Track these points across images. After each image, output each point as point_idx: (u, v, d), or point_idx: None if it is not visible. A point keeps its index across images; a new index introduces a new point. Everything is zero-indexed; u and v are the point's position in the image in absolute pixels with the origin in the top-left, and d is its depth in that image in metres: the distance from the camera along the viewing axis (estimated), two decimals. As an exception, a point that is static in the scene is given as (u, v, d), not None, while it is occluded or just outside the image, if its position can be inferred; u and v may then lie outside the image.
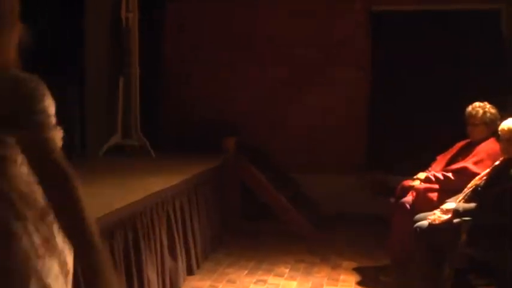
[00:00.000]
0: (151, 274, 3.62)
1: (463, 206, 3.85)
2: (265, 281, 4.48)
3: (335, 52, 6.50)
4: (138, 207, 3.68)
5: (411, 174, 4.92)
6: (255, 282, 4.45)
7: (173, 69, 6.72)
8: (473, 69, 6.07)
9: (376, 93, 6.48)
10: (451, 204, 3.94)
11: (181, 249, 4.26)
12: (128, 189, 3.96)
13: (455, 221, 3.80)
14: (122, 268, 3.38)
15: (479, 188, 3.90)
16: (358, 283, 4.49)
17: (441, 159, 4.66)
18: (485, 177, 3.94)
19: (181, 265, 4.21)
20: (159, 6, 6.66)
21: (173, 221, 4.14)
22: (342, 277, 4.60)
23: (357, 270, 4.77)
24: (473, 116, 4.44)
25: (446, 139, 4.86)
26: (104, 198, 3.70)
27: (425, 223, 3.95)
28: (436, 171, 4.51)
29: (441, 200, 4.20)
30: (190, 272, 4.48)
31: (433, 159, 4.79)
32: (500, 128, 3.98)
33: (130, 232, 3.51)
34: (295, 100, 6.68)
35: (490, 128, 4.39)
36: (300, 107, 6.70)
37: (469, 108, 4.48)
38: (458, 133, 4.74)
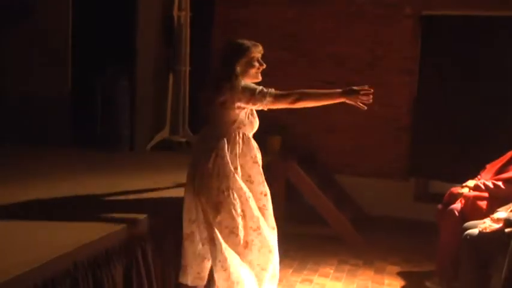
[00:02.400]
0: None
1: (515, 215, 3.84)
2: (311, 281, 4.54)
3: (383, 56, 6.49)
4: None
5: (456, 181, 4.93)
6: (301, 282, 4.51)
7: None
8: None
9: (424, 98, 6.44)
10: (502, 213, 3.93)
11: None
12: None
13: (506, 230, 3.80)
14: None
15: (531, 199, 3.90)
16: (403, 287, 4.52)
17: (490, 168, 4.64)
18: (538, 188, 3.93)
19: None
20: (209, 6, 6.76)
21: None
22: (386, 281, 4.63)
23: (401, 274, 4.79)
24: (525, 125, 4.43)
25: (493, 147, 4.83)
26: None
27: (475, 231, 3.95)
28: (485, 179, 4.50)
29: (490, 209, 4.20)
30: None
31: (479, 168, 4.77)
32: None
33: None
34: (341, 102, 6.68)
35: (542, 138, 4.37)
36: (345, 108, 6.68)
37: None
38: (507, 142, 4.72)
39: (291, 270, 4.73)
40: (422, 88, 6.46)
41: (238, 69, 3.25)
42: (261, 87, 3.23)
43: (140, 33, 5.94)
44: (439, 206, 4.65)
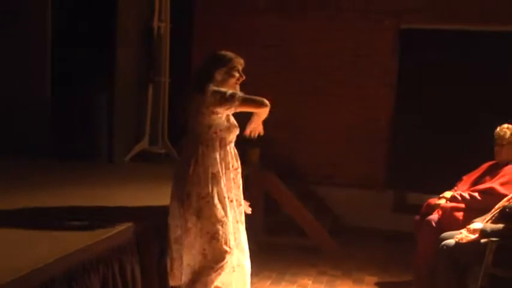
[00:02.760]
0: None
1: (490, 226, 3.89)
2: (289, 292, 4.55)
3: (362, 68, 6.56)
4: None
5: (433, 193, 4.99)
6: (279, 293, 4.52)
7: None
8: (501, 90, 6.10)
9: (401, 110, 6.51)
10: (478, 224, 3.98)
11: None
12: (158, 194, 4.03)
13: (482, 241, 3.85)
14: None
15: (507, 210, 3.94)
16: (381, 298, 4.55)
17: (467, 179, 4.71)
18: (513, 199, 3.99)
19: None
20: (189, 17, 6.77)
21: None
22: (365, 291, 4.66)
23: (379, 285, 4.82)
24: (500, 137, 4.50)
25: (470, 159, 4.90)
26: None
27: (452, 242, 3.99)
28: (462, 190, 4.55)
29: (467, 220, 4.24)
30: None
31: (456, 179, 4.84)
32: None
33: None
34: (320, 113, 6.74)
35: (517, 150, 4.44)
36: (324, 120, 6.76)
37: (498, 129, 4.54)
38: (482, 154, 4.79)
39: (269, 282, 4.73)
40: (401, 100, 6.53)
41: (218, 77, 3.32)
42: (230, 91, 3.29)
43: (120, 44, 5.92)
44: (417, 217, 4.70)
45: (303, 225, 5.75)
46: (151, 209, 3.76)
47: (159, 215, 3.51)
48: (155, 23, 6.07)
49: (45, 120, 5.84)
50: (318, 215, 6.01)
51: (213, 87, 3.27)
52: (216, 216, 3.24)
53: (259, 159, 6.26)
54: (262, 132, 3.53)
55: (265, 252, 5.43)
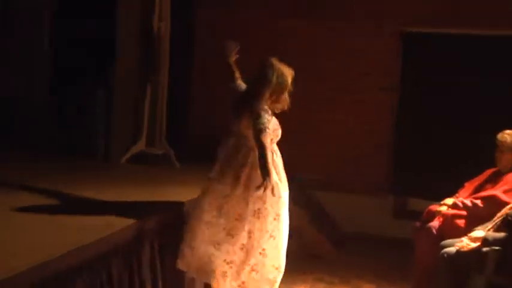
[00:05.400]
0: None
1: (492, 235, 3.81)
2: (284, 299, 4.43)
3: (364, 72, 6.48)
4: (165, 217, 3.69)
5: (435, 199, 4.90)
6: (274, 299, 4.40)
7: (202, 78, 6.74)
8: (503, 95, 6.01)
9: (404, 115, 6.43)
10: (479, 232, 3.89)
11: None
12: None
13: (484, 249, 3.75)
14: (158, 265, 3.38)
15: (509, 218, 3.85)
16: (379, 306, 4.45)
17: (469, 186, 4.62)
18: (516, 207, 3.90)
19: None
20: (191, 16, 6.70)
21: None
22: (362, 299, 4.55)
23: (378, 293, 4.73)
24: (501, 143, 4.41)
25: (473, 165, 4.81)
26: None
27: (453, 249, 3.91)
28: (463, 197, 4.46)
29: (468, 227, 4.16)
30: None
31: (458, 185, 4.74)
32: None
33: (156, 241, 3.51)
34: (320, 117, 6.65)
35: (517, 157, 4.35)
36: (324, 124, 6.67)
37: (499, 135, 4.45)
38: (485, 159, 4.70)
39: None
40: (403, 105, 6.44)
41: (271, 96, 3.70)
42: (264, 126, 3.51)
43: (119, 43, 5.86)
44: (417, 224, 4.60)
45: (301, 232, 5.64)
46: (135, 212, 3.66)
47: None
48: (155, 22, 5.98)
49: (43, 118, 5.78)
50: (317, 221, 5.92)
51: (260, 113, 3.52)
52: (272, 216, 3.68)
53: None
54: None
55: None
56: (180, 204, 4.02)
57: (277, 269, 3.79)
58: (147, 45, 6.05)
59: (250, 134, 3.55)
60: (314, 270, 5.11)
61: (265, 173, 3.35)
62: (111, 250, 3.03)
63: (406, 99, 6.42)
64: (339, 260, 5.48)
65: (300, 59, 6.55)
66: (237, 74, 4.04)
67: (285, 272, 4.93)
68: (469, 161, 5.66)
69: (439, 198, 4.67)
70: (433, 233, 4.34)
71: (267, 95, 3.64)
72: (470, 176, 4.71)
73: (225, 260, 3.59)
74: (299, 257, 5.40)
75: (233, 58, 4.05)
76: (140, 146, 6.04)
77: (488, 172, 4.56)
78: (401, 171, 6.44)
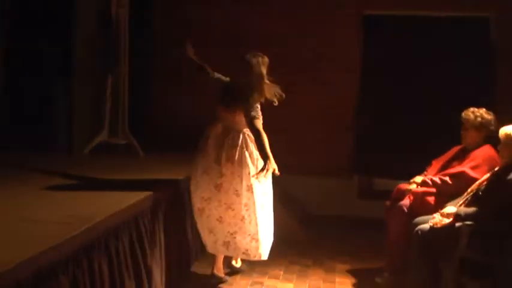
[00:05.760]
0: (155, 273, 3.55)
1: (464, 210, 3.88)
2: (261, 283, 4.43)
3: (326, 55, 6.49)
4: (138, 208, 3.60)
5: (400, 178, 4.97)
6: (251, 285, 4.40)
7: (163, 66, 6.62)
8: (462, 75, 6.14)
9: (365, 96, 6.48)
10: (451, 208, 3.96)
11: (177, 250, 4.19)
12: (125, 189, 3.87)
13: (457, 224, 3.83)
14: (129, 265, 3.30)
15: (480, 193, 3.94)
16: (355, 285, 4.49)
17: (436, 164, 4.68)
18: (485, 183, 3.98)
19: (179, 265, 4.15)
20: (149, 4, 6.55)
21: (168, 221, 4.06)
22: (337, 279, 4.59)
23: (351, 272, 4.77)
24: (465, 121, 4.49)
25: (437, 144, 4.89)
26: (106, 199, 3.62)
27: (426, 226, 3.96)
28: (432, 175, 4.53)
29: (438, 204, 4.23)
30: (185, 274, 4.40)
31: (422, 163, 4.81)
32: (499, 133, 4.04)
33: (134, 232, 3.43)
34: (282, 101, 6.63)
35: (481, 133, 4.43)
36: (286, 108, 6.63)
37: (463, 112, 4.53)
38: (449, 138, 4.79)
39: (240, 274, 4.60)
40: (365, 86, 6.49)
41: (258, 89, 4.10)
42: (258, 114, 4.09)
43: (78, 32, 5.69)
44: (387, 203, 4.64)
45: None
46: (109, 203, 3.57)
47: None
48: (113, 8, 5.81)
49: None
50: (284, 204, 5.91)
51: (253, 104, 4.05)
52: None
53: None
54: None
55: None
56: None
57: (270, 236, 4.31)
58: (106, 34, 5.89)
59: (240, 120, 4.08)
60: (287, 253, 5.12)
61: (266, 156, 3.88)
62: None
63: (368, 82, 6.47)
64: (310, 242, 5.51)
65: (262, 43, 6.55)
66: (207, 67, 4.40)
67: (258, 257, 4.97)
68: (433, 140, 5.75)
69: (404, 177, 4.74)
70: (404, 211, 4.40)
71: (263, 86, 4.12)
72: (435, 155, 4.79)
73: (228, 232, 4.13)
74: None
75: (191, 53, 4.40)
76: (103, 136, 5.90)
77: (455, 149, 4.64)
78: (364, 152, 6.49)
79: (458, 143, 4.62)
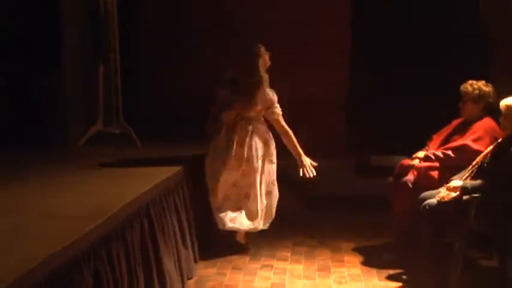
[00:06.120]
0: (167, 262, 3.52)
1: (470, 183, 3.91)
2: (271, 266, 4.44)
3: (315, 34, 6.45)
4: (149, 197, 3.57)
5: (398, 155, 5.00)
6: (261, 268, 4.40)
7: (154, 51, 6.55)
8: (454, 48, 6.15)
9: (357, 74, 6.47)
10: (456, 181, 3.97)
11: (191, 238, 4.18)
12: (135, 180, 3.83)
13: (464, 197, 3.86)
14: (139, 258, 3.27)
15: (485, 165, 3.97)
16: (363, 263, 4.52)
17: (437, 138, 4.70)
18: (489, 155, 4.01)
19: (191, 253, 4.13)
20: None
21: (180, 208, 4.04)
22: (346, 258, 4.61)
23: (357, 250, 4.80)
24: (464, 93, 4.52)
25: (434, 119, 4.92)
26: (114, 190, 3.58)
27: (434, 201, 3.98)
28: (433, 149, 4.55)
29: (442, 178, 4.26)
30: (194, 260, 4.38)
31: (421, 139, 4.84)
32: (500, 104, 4.07)
33: (145, 221, 3.40)
34: (273, 82, 6.60)
35: (480, 105, 4.46)
36: (279, 88, 6.62)
37: (462, 85, 4.55)
38: (446, 113, 4.81)
39: (248, 258, 4.61)
40: (356, 64, 6.48)
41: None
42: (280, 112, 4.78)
43: (66, 21, 5.58)
44: (390, 179, 4.66)
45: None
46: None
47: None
48: (102, -4, 5.70)
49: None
50: (283, 187, 5.91)
51: (274, 100, 4.72)
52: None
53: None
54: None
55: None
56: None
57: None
58: (94, 22, 5.78)
59: (255, 112, 4.58)
60: (292, 234, 5.14)
61: (299, 153, 4.64)
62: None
63: (360, 60, 6.46)
64: (313, 222, 5.53)
65: (252, 24, 6.51)
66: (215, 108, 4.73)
67: (264, 239, 4.96)
68: (430, 115, 5.76)
69: (403, 153, 4.79)
70: (409, 186, 4.42)
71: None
72: (433, 130, 4.81)
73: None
74: (274, 223, 5.43)
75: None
76: (97, 126, 5.82)
77: (456, 122, 4.65)
78: (362, 130, 6.50)
79: (457, 116, 4.64)
